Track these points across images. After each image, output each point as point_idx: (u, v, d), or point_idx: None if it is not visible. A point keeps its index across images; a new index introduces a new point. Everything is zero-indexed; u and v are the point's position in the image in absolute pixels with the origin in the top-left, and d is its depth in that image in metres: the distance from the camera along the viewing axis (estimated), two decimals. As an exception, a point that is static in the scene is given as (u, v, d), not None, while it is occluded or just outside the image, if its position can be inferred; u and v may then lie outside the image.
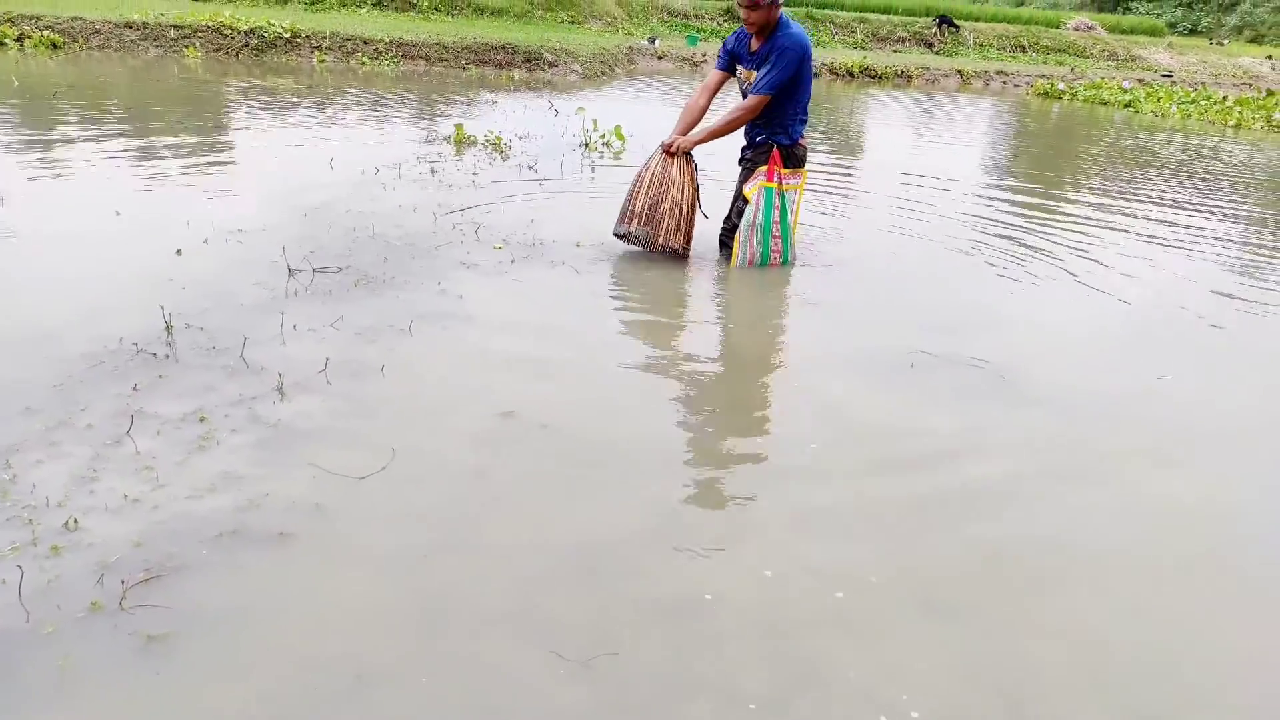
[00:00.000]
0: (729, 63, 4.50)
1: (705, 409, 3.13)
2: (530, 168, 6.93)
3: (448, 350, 3.37)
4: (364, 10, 22.24)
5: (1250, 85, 28.83)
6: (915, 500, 2.57)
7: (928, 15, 33.88)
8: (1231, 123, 15.44)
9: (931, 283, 4.82)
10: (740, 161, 4.62)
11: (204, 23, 14.09)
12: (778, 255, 4.62)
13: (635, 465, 2.66)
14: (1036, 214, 6.70)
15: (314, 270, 4.06)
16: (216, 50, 13.79)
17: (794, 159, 4.46)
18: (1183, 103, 17.98)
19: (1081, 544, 2.43)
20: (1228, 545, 2.49)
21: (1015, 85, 23.18)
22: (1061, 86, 20.55)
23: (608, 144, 8.33)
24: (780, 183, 4.44)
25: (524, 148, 7.83)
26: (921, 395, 3.31)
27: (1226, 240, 6.31)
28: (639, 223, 4.46)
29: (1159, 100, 18.26)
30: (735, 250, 4.56)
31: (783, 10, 4.26)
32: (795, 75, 4.23)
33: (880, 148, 10.67)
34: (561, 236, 4.96)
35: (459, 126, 7.85)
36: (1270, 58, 34.50)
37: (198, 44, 13.65)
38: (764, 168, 4.43)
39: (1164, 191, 8.12)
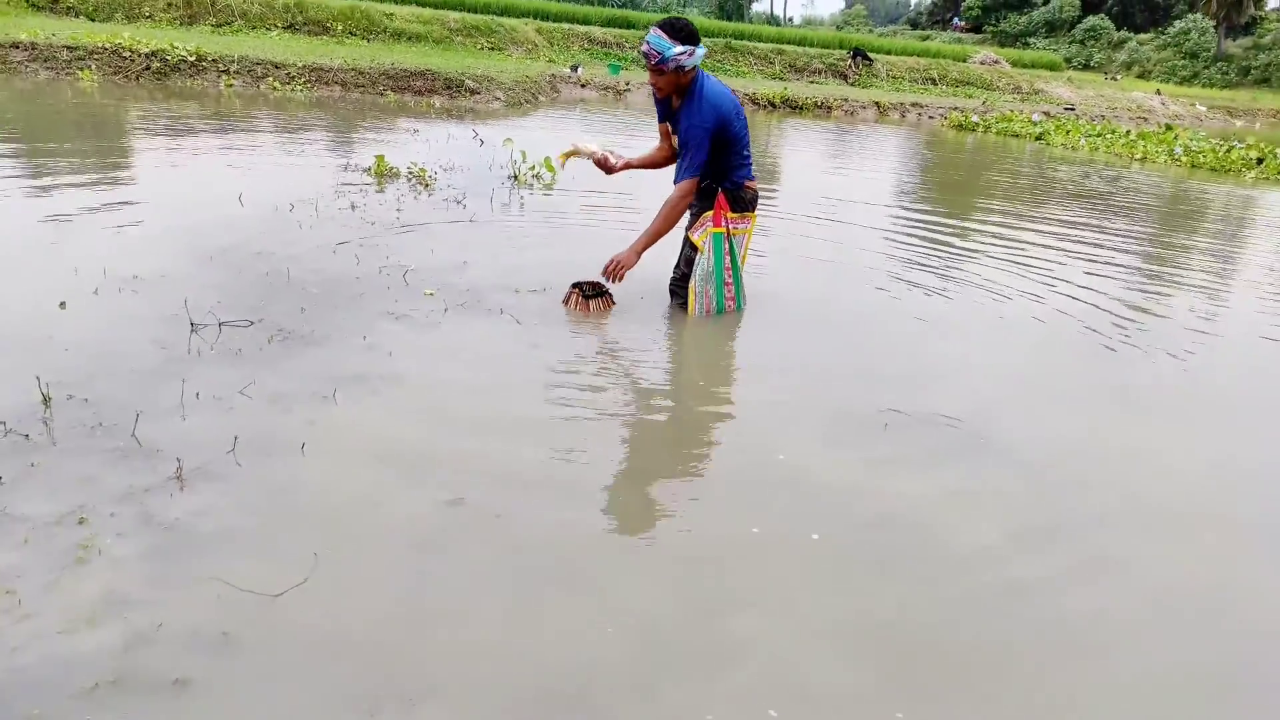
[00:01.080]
0: (664, 111, 4.26)
1: (677, 489, 2.81)
2: (458, 202, 6.55)
3: (378, 420, 2.97)
4: (275, 34, 21.49)
5: (1145, 119, 30.41)
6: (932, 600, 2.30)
7: (841, 48, 34.79)
8: (1138, 155, 16.03)
9: (884, 324, 4.63)
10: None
11: (101, 44, 13.26)
12: (731, 302, 4.36)
13: (604, 564, 2.32)
14: (976, 245, 6.64)
15: (220, 324, 3.60)
16: (115, 73, 12.97)
17: (741, 203, 4.22)
18: (1090, 136, 18.67)
19: (1082, 631, 2.19)
20: (1227, 626, 2.30)
21: (930, 117, 23.80)
22: (975, 119, 21.15)
23: (537, 176, 8.01)
24: (729, 228, 4.19)
25: (450, 180, 7.45)
26: (901, 461, 3.06)
27: (1166, 266, 6.35)
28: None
29: (1067, 134, 18.93)
30: (691, 301, 4.28)
31: (699, 68, 4.01)
32: (717, 143, 3.98)
33: (811, 177, 10.62)
34: (498, 280, 4.60)
35: (380, 158, 7.42)
36: (1159, 92, 36.49)
37: (93, 66, 12.81)
38: (710, 213, 4.17)
39: (1097, 220, 8.22)
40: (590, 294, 4.28)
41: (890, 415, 3.38)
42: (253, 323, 3.65)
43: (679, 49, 3.81)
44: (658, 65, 3.84)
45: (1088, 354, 4.42)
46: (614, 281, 4.13)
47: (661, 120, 4.27)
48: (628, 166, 4.43)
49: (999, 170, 12.63)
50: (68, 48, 12.99)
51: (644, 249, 4.10)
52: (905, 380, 3.82)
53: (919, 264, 5.94)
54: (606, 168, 4.36)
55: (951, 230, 7.34)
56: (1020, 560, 2.50)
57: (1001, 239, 7.11)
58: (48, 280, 3.98)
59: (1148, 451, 3.36)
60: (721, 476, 2.89)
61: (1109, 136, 18.66)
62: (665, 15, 4.01)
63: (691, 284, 4.26)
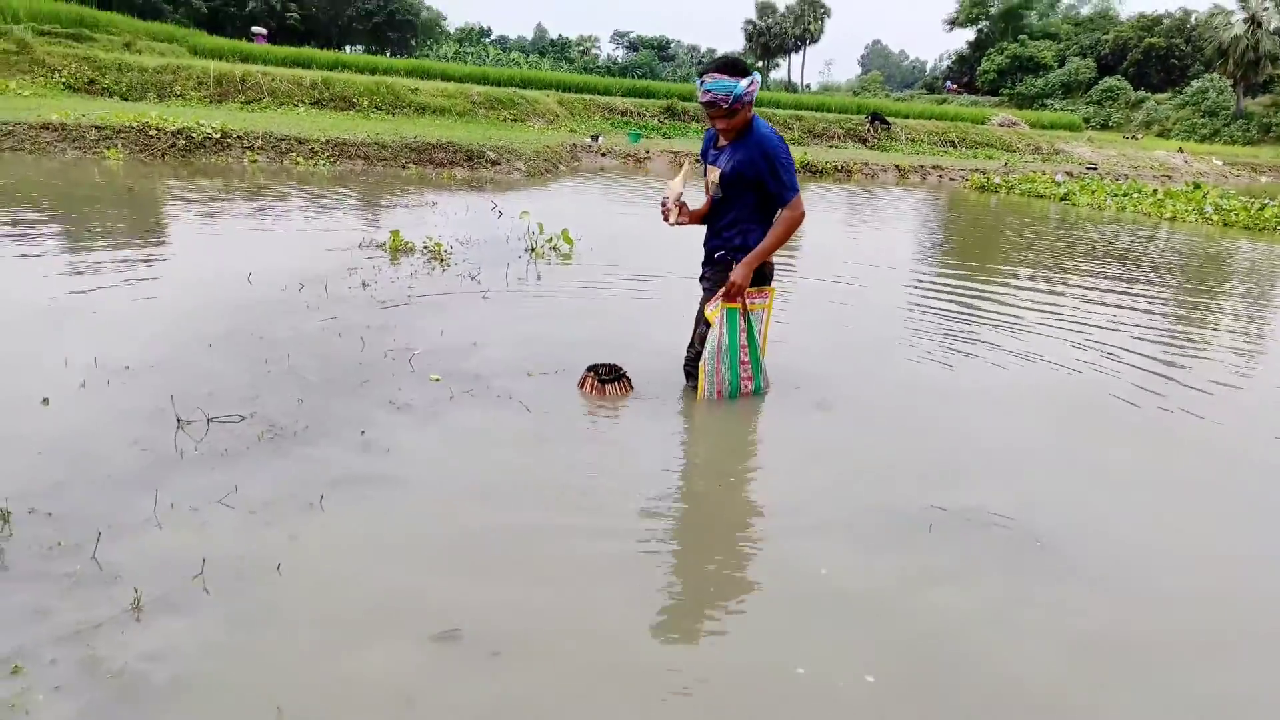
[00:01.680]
0: (709, 152, 4.06)
1: (707, 617, 2.48)
2: (473, 277, 6.36)
3: (368, 533, 2.68)
4: (302, 110, 21.95)
5: (1170, 177, 30.18)
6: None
7: (859, 112, 35.04)
8: (1167, 215, 15.72)
9: (920, 403, 4.31)
10: (700, 280, 4.10)
11: (128, 123, 13.47)
12: (748, 383, 4.07)
13: (621, 713, 1.99)
14: (1013, 311, 6.33)
15: (209, 420, 3.36)
16: (141, 151, 13.14)
17: (759, 276, 3.95)
18: (1116, 195, 18.42)
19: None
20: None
21: (951, 179, 23.71)
22: (997, 180, 20.99)
23: (555, 248, 7.84)
24: (744, 303, 3.92)
25: (465, 254, 7.29)
26: (951, 572, 2.72)
27: (1216, 331, 5.99)
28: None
29: (1093, 194, 18.69)
30: (701, 380, 4.00)
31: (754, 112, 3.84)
32: (767, 178, 3.76)
33: (835, 241, 10.40)
34: (509, 363, 4.35)
35: (395, 233, 7.28)
36: (1181, 150, 36.32)
37: (120, 145, 12.99)
38: (724, 288, 3.91)
39: (1139, 282, 7.89)
40: (606, 378, 4.02)
41: (934, 514, 3.05)
42: (244, 417, 3.41)
43: (744, 82, 3.63)
44: (732, 107, 3.64)
45: (1142, 432, 4.07)
46: (733, 301, 3.85)
47: (711, 163, 3.98)
48: (687, 221, 4.03)
49: (1028, 231, 12.36)
50: (96, 127, 13.20)
51: (760, 261, 3.81)
52: (947, 470, 3.49)
53: (953, 333, 5.63)
54: (666, 216, 3.95)
55: (984, 295, 7.03)
56: (1085, 694, 2.14)
57: (1039, 304, 6.80)
58: (36, 372, 3.77)
59: (1227, 557, 2.99)
60: (760, 599, 2.55)
61: (1135, 196, 18.38)
62: (714, 59, 3.85)
63: (702, 362, 3.98)
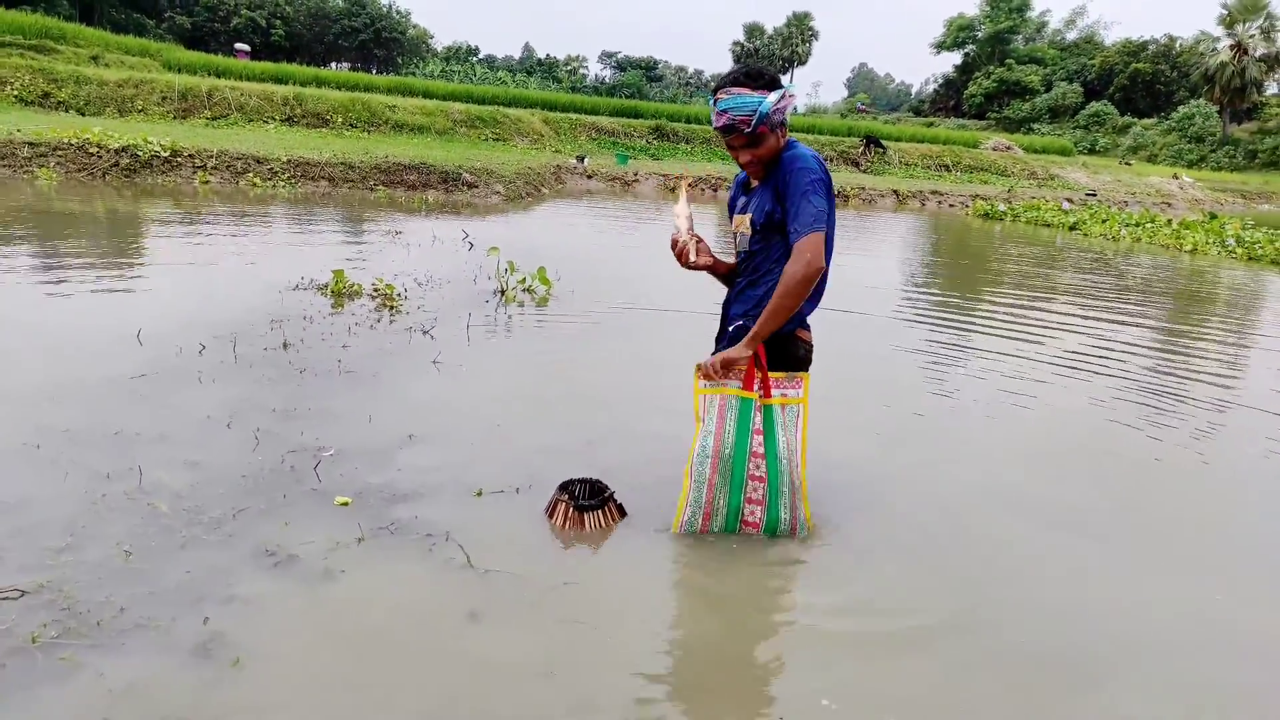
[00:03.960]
0: (739, 198, 2.95)
1: None
2: (425, 332, 5.21)
3: None
4: (272, 128, 20.78)
5: (1169, 204, 29.51)
6: None
7: (850, 135, 34.16)
8: (1186, 247, 14.78)
9: (1003, 532, 3.18)
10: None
11: (67, 139, 12.26)
12: (756, 519, 2.87)
13: None
14: (1070, 369, 5.23)
15: (-29, 599, 2.19)
16: (79, 170, 11.94)
17: (789, 357, 2.83)
18: (1129, 225, 17.50)
19: None
20: None
21: (950, 205, 22.79)
22: (1002, 207, 20.06)
23: (529, 289, 6.71)
24: (764, 393, 2.80)
25: (423, 297, 6.14)
26: None
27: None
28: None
29: (1104, 223, 17.77)
30: (680, 502, 2.86)
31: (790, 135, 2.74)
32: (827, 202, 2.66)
33: (841, 277, 9.32)
34: (452, 469, 3.21)
35: (338, 273, 6.13)
36: (1176, 176, 35.74)
37: (54, 163, 11.77)
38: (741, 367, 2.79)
39: (1208, 331, 6.82)
40: (585, 503, 2.87)
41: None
42: (22, 593, 2.23)
43: (772, 97, 2.57)
44: (756, 131, 2.58)
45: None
46: (724, 377, 2.73)
47: (740, 212, 2.87)
48: (711, 268, 2.93)
49: (1062, 268, 11.31)
50: (29, 144, 11.98)
51: (761, 339, 2.67)
52: (1064, 661, 2.36)
53: (1004, 397, 4.51)
54: (682, 256, 2.84)
55: (1027, 347, 5.92)
56: None
57: (1098, 354, 5.71)
58: None
59: None
60: None
61: (1149, 226, 17.47)
62: (732, 70, 2.63)
63: (685, 470, 2.84)
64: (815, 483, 3.02)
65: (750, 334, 2.67)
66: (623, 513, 2.94)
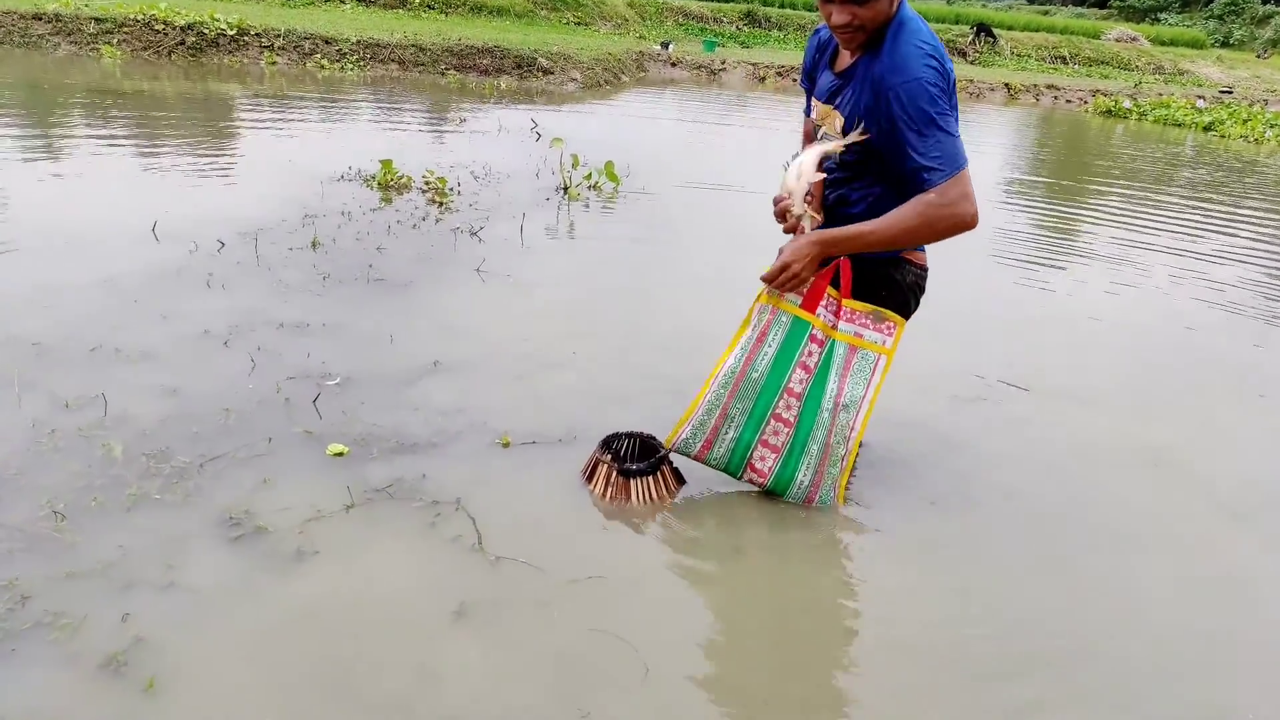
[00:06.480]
0: (817, 77, 2.17)
1: None
2: (473, 233, 4.61)
3: None
4: (348, 7, 20.02)
5: (1318, 104, 26.47)
6: None
7: (958, 23, 31.49)
8: (1346, 152, 13.01)
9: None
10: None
11: (132, 15, 11.81)
12: (767, 467, 2.22)
13: None
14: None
15: None
16: (145, 48, 11.51)
17: (890, 288, 2.13)
18: (1275, 125, 15.55)
19: None
20: None
21: (1068, 101, 20.79)
22: (1127, 104, 18.11)
23: (595, 186, 6.01)
24: (832, 322, 2.12)
25: (478, 193, 5.52)
26: None
27: None
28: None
29: (1245, 123, 15.84)
30: (682, 419, 2.23)
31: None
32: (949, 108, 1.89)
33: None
34: (477, 409, 2.64)
35: (386, 163, 5.53)
36: (1329, 72, 32.04)
37: (119, 41, 11.37)
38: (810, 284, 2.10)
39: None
40: (633, 468, 2.26)
41: None
42: (-91, 573, 1.77)
43: None
44: None
45: None
46: (783, 291, 2.09)
47: (823, 97, 2.10)
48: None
49: (1234, 186, 9.97)
50: (95, 19, 11.58)
51: (842, 247, 2.02)
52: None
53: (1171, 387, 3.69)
54: (791, 225, 2.08)
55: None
56: None
57: None
58: None
59: None
60: None
61: (1300, 128, 15.49)
62: None
63: (704, 389, 2.20)
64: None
65: (832, 233, 1.97)
66: (680, 480, 2.33)
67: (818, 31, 2.16)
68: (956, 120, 1.88)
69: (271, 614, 1.75)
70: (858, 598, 2.03)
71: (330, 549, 1.94)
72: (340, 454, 2.33)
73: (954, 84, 1.89)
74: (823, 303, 2.10)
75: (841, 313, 2.11)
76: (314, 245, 4.12)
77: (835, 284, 2.09)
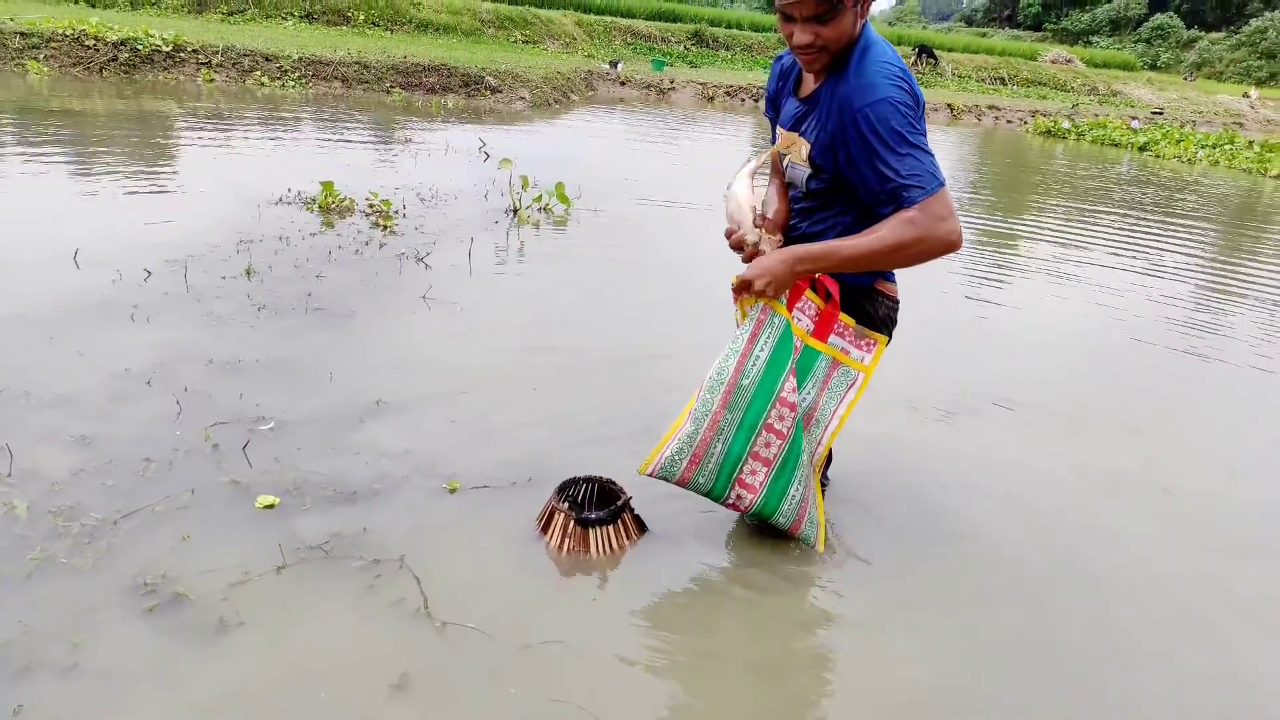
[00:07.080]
0: (780, 102, 2.08)
1: None
2: (419, 259, 4.43)
3: None
4: (290, 24, 19.65)
5: (1240, 124, 27.52)
6: None
7: (900, 44, 32.14)
8: (1273, 172, 13.46)
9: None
10: None
11: (60, 30, 11.38)
12: (756, 484, 2.04)
13: None
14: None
15: None
16: (74, 65, 11.08)
17: (862, 312, 2.05)
18: (1206, 146, 16.07)
19: None
20: None
21: (1009, 121, 21.31)
22: (1066, 125, 18.57)
23: (546, 208, 5.88)
24: (810, 328, 2.03)
25: (423, 215, 5.34)
26: None
27: None
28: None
29: (1178, 144, 16.34)
30: (667, 435, 2.06)
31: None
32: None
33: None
34: (423, 450, 2.48)
35: (327, 185, 5.33)
36: (1247, 94, 33.34)
37: (45, 56, 10.93)
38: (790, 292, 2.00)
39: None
40: (593, 516, 2.12)
41: None
42: None
43: None
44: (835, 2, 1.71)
45: None
46: (752, 295, 1.95)
47: (788, 124, 2.00)
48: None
49: (1161, 201, 10.19)
50: (20, 33, 11.12)
51: (817, 265, 1.88)
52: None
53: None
54: (740, 248, 1.97)
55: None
56: None
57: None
58: None
59: None
60: None
61: (1228, 148, 16.04)
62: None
63: (691, 403, 2.06)
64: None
65: (803, 249, 1.86)
66: (642, 528, 2.20)
67: (779, 59, 2.07)
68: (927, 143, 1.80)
69: (191, 696, 1.57)
70: (834, 662, 1.91)
71: (258, 618, 1.76)
72: (271, 506, 2.15)
73: (923, 107, 1.81)
74: (799, 305, 1.98)
75: (832, 322, 2.01)
76: (249, 273, 3.91)
77: (827, 297, 1.99)
